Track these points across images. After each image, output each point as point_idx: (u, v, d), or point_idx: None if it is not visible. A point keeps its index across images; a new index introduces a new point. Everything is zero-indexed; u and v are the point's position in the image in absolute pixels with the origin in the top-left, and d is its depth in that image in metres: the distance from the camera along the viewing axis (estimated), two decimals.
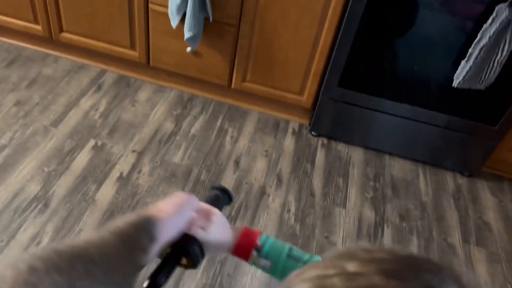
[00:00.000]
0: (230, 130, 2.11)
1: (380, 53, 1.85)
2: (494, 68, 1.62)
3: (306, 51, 1.91)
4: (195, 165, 1.91)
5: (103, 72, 2.29)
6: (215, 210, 0.66)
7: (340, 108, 2.03)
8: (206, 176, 1.87)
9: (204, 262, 1.57)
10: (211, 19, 1.87)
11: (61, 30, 2.17)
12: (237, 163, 1.96)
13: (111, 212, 1.67)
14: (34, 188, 1.69)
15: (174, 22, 1.91)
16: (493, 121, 1.89)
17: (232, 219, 1.74)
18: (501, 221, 1.95)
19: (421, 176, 2.09)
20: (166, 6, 1.91)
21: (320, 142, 2.15)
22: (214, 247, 0.65)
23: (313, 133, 2.17)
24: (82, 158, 1.84)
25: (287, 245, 0.70)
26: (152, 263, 0.57)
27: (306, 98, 2.08)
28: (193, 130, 2.07)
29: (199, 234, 0.61)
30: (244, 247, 0.69)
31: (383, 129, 2.06)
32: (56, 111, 2.03)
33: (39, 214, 1.61)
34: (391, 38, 1.83)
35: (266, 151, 2.05)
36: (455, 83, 1.73)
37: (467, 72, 1.66)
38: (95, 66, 2.31)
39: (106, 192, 1.73)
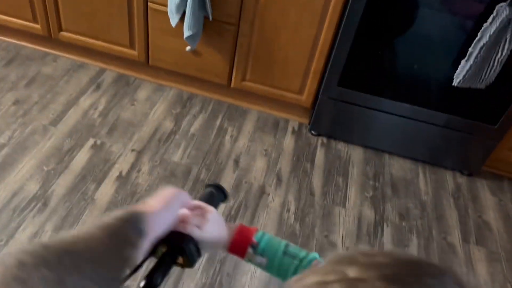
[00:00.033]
0: (229, 129, 2.11)
1: (380, 52, 1.85)
2: (494, 67, 1.62)
3: (306, 50, 1.91)
4: (194, 164, 1.91)
5: (102, 71, 2.29)
6: (210, 208, 0.66)
7: (339, 107, 2.03)
8: (205, 175, 1.87)
9: (203, 262, 1.57)
10: (210, 17, 1.87)
11: (60, 29, 2.16)
12: (236, 162, 1.96)
13: (110, 211, 1.66)
14: (33, 187, 1.69)
15: (174, 20, 1.90)
16: (493, 120, 1.88)
17: (231, 218, 1.73)
18: (501, 220, 1.95)
19: (421, 175, 2.08)
20: (165, 5, 1.90)
21: (319, 141, 2.15)
22: (210, 245, 0.64)
23: (312, 132, 2.17)
24: (81, 157, 1.84)
25: (283, 242, 0.69)
26: (149, 264, 0.57)
27: (305, 97, 2.07)
28: (192, 129, 2.07)
29: (195, 232, 0.60)
30: (240, 245, 0.68)
31: (383, 128, 2.06)
32: (55, 110, 2.03)
33: (38, 213, 1.61)
34: (391, 37, 1.83)
35: (265, 150, 2.04)
36: (455, 82, 1.73)
37: (467, 71, 1.66)
38: (94, 65, 2.31)
39: (106, 191, 1.73)
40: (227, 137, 2.07)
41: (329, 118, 2.10)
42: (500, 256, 1.80)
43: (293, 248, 0.69)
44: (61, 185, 1.72)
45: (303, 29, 1.85)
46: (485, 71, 1.65)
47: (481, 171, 2.12)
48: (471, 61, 1.64)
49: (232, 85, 2.13)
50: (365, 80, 1.93)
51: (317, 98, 2.04)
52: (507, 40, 1.55)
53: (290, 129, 2.18)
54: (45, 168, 1.77)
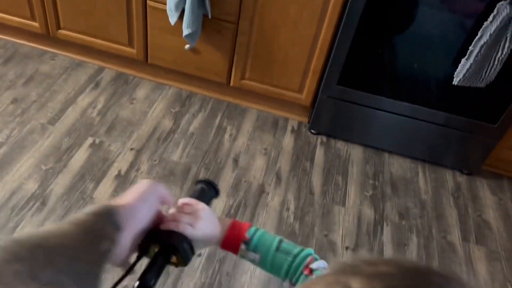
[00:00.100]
0: (229, 128, 2.10)
1: (380, 51, 1.84)
2: (494, 66, 1.62)
3: (305, 48, 1.90)
4: (193, 163, 1.90)
5: (101, 70, 2.28)
6: (201, 205, 0.65)
7: (339, 106, 2.02)
8: (205, 174, 1.86)
9: (202, 261, 1.56)
10: (209, 15, 1.86)
11: (58, 27, 2.15)
12: (236, 161, 1.95)
13: None
14: (31, 187, 1.68)
15: (173, 19, 1.89)
16: (493, 119, 1.88)
17: (231, 218, 1.73)
18: (501, 220, 1.94)
19: (421, 174, 2.08)
20: (164, 3, 1.89)
21: (319, 140, 2.15)
22: (203, 243, 0.63)
23: (312, 131, 2.17)
24: (80, 156, 1.83)
25: (277, 238, 0.69)
26: (143, 264, 0.57)
27: (305, 96, 2.07)
28: (191, 128, 2.06)
29: (187, 230, 0.59)
30: (232, 241, 0.67)
31: (383, 127, 2.05)
32: (54, 109, 2.02)
33: (36, 213, 1.60)
34: (391, 36, 1.82)
35: (265, 149, 2.04)
36: (455, 81, 1.72)
37: (468, 70, 1.65)
38: (93, 63, 2.30)
39: (104, 190, 1.72)
40: (226, 136, 2.06)
41: (329, 117, 2.09)
42: (500, 255, 1.80)
43: (287, 244, 0.68)
44: (59, 184, 1.71)
45: (303, 27, 1.84)
46: (485, 70, 1.65)
47: (481, 170, 2.12)
48: (471, 60, 1.63)
49: (231, 83, 2.12)
50: (365, 79, 1.92)
51: (317, 96, 2.04)
52: (508, 38, 1.54)
53: (289, 128, 2.18)
54: (43, 167, 1.76)
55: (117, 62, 2.27)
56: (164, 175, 1.82)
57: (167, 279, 1.49)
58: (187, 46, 1.99)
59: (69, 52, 2.30)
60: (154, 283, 0.55)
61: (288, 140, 2.11)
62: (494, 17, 1.53)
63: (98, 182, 1.74)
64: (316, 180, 1.94)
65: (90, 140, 1.91)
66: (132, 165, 1.84)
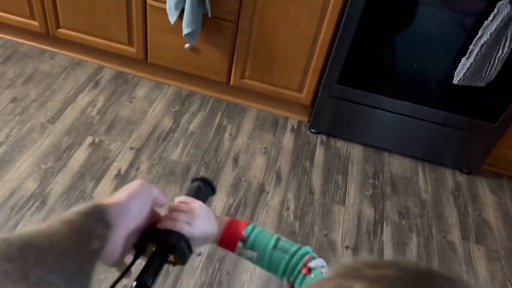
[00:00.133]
0: (228, 127, 2.10)
1: (380, 50, 1.84)
2: (495, 65, 1.61)
3: (305, 47, 1.90)
4: (193, 162, 1.90)
5: (100, 69, 2.27)
6: (198, 203, 0.65)
7: (339, 105, 2.02)
8: (205, 173, 1.86)
9: (203, 260, 1.56)
10: (209, 14, 1.86)
11: (58, 26, 2.15)
12: (236, 160, 1.95)
13: None
14: (31, 186, 1.68)
15: (172, 18, 1.89)
16: (493, 119, 1.88)
17: (230, 217, 1.73)
18: (501, 219, 1.94)
19: (421, 173, 2.08)
20: (164, 2, 1.89)
21: (319, 139, 2.14)
22: (200, 241, 0.63)
23: (312, 130, 2.16)
24: (80, 155, 1.83)
25: (274, 236, 0.68)
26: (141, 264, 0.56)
27: (305, 95, 2.07)
28: (191, 127, 2.06)
29: (184, 229, 0.59)
30: (230, 239, 0.67)
31: (383, 126, 2.05)
32: (53, 108, 2.01)
33: (36, 212, 1.60)
34: (391, 35, 1.82)
35: (265, 148, 2.04)
36: (455, 80, 1.72)
37: (468, 69, 1.65)
38: (93, 62, 2.29)
39: (104, 189, 1.72)
40: (226, 135, 2.06)
41: (329, 116, 2.09)
42: (499, 254, 1.80)
43: (284, 242, 0.68)
44: (59, 183, 1.71)
45: (303, 26, 1.84)
46: (485, 69, 1.64)
47: (481, 169, 2.12)
48: (471, 59, 1.63)
49: (231, 82, 2.12)
50: (365, 78, 1.92)
51: (317, 96, 2.03)
52: (508, 38, 1.54)
53: (289, 127, 2.18)
54: (43, 166, 1.76)
55: (117, 61, 2.26)
56: (164, 174, 1.82)
57: (167, 279, 1.48)
58: (187, 45, 1.99)
59: (69, 51, 2.30)
60: (152, 283, 0.54)
61: (288, 139, 2.11)
62: (494, 16, 1.53)
63: (98, 181, 1.74)
64: (316, 179, 1.94)
65: (89, 139, 1.90)
66: (132, 164, 1.83)
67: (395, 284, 0.31)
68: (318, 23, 1.81)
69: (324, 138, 2.15)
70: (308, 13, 1.80)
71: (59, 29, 2.16)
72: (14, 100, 2.01)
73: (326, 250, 1.69)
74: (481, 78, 1.68)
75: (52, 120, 1.95)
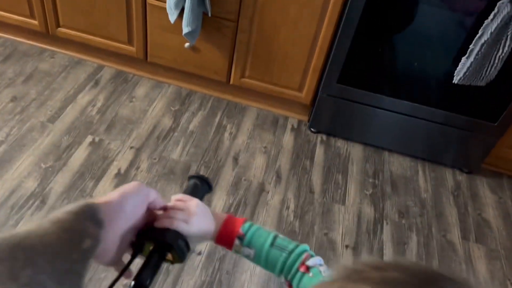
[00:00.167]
0: (228, 126, 2.10)
1: (380, 50, 1.84)
2: (495, 65, 1.61)
3: (305, 47, 1.90)
4: (193, 162, 1.90)
5: (100, 68, 2.27)
6: (195, 200, 0.64)
7: (339, 104, 2.02)
8: (205, 173, 1.86)
9: (203, 259, 1.56)
10: (209, 14, 1.85)
11: (57, 25, 2.14)
12: (236, 159, 1.95)
13: None
14: (31, 185, 1.68)
15: (172, 17, 1.89)
16: (493, 118, 1.88)
17: None
18: (500, 218, 1.94)
19: (421, 172, 2.08)
20: (164, 1, 1.89)
21: (319, 138, 2.14)
22: (198, 238, 0.63)
23: (312, 129, 2.16)
24: (80, 155, 1.83)
25: (272, 234, 0.68)
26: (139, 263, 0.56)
27: (305, 95, 2.06)
28: (191, 126, 2.06)
29: (182, 227, 0.59)
30: (226, 236, 0.67)
31: (383, 125, 2.05)
32: (53, 107, 2.01)
33: (36, 211, 1.60)
34: (391, 34, 1.82)
35: (265, 147, 2.04)
36: (455, 80, 1.72)
37: (468, 68, 1.65)
38: (92, 61, 2.29)
39: (104, 188, 1.72)
40: (226, 134, 2.06)
41: (329, 116, 2.09)
42: (499, 254, 1.80)
43: (282, 239, 0.68)
44: (59, 183, 1.71)
45: (303, 26, 1.83)
46: (485, 69, 1.64)
47: (481, 168, 2.12)
48: (471, 58, 1.63)
49: (231, 82, 2.12)
50: (365, 77, 1.92)
51: (317, 95, 2.03)
52: (508, 37, 1.54)
53: (289, 126, 2.17)
54: (43, 166, 1.76)
55: (117, 60, 2.26)
56: (164, 173, 1.82)
57: (167, 278, 1.49)
58: (187, 44, 1.99)
59: (69, 50, 2.30)
60: (150, 282, 0.54)
61: (288, 139, 2.11)
62: (495, 15, 1.52)
63: (98, 181, 1.74)
64: (316, 178, 1.94)
65: (89, 138, 1.90)
66: (132, 164, 1.83)
67: (399, 287, 0.31)
68: (318, 22, 1.81)
69: (324, 137, 2.15)
70: (308, 13, 1.79)
71: (59, 28, 2.16)
72: (14, 99, 2.01)
73: (326, 249, 1.69)
74: (481, 78, 1.68)
75: (52, 119, 1.95)
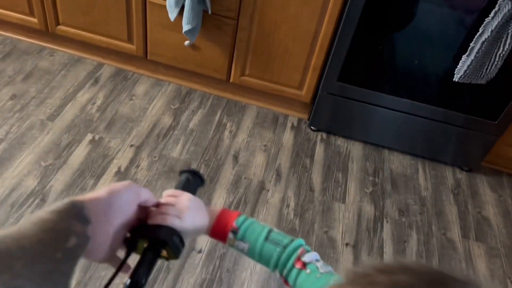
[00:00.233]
0: (228, 124, 2.10)
1: (380, 48, 1.83)
2: (495, 63, 1.61)
3: (305, 45, 1.90)
4: (193, 160, 1.90)
5: (100, 66, 2.27)
6: (187, 195, 0.64)
7: (339, 102, 2.02)
8: (205, 171, 1.86)
9: (203, 257, 1.56)
10: (209, 11, 1.85)
11: (57, 22, 2.14)
12: (236, 157, 1.95)
13: None
14: (31, 183, 1.68)
15: (172, 14, 1.88)
16: (493, 116, 1.88)
17: None
18: (500, 216, 1.95)
19: (421, 171, 2.08)
20: None
21: (319, 136, 2.14)
22: (192, 233, 0.62)
23: (312, 127, 2.16)
24: (80, 153, 1.82)
25: (266, 228, 0.67)
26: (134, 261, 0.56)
27: (305, 93, 2.06)
28: (191, 125, 2.06)
29: (175, 223, 0.58)
30: (220, 230, 0.66)
31: (383, 124, 2.05)
32: (53, 105, 2.01)
33: (36, 209, 1.60)
34: (392, 32, 1.81)
35: (265, 145, 2.03)
36: (456, 78, 1.72)
37: (468, 66, 1.65)
38: (92, 59, 2.29)
39: (104, 186, 1.71)
40: (226, 133, 2.05)
41: (329, 114, 2.09)
42: (499, 251, 1.80)
43: (277, 234, 0.67)
44: (59, 181, 1.70)
45: (303, 23, 1.83)
46: (486, 67, 1.64)
47: (480, 166, 2.12)
48: (472, 56, 1.63)
49: (231, 80, 2.11)
50: (365, 75, 1.92)
51: (317, 93, 2.03)
52: (509, 35, 1.54)
53: (289, 124, 2.17)
54: (43, 164, 1.75)
55: (117, 58, 2.26)
56: (164, 171, 1.82)
57: (167, 276, 1.49)
58: (186, 42, 1.98)
59: (68, 48, 2.29)
60: (146, 280, 0.54)
61: (288, 137, 2.10)
62: (495, 13, 1.52)
63: (98, 179, 1.74)
64: (316, 177, 1.94)
65: (89, 136, 1.90)
66: (132, 162, 1.83)
67: None
68: (319, 20, 1.81)
69: (324, 135, 2.15)
70: (309, 10, 1.79)
71: (59, 26, 2.15)
72: (13, 97, 2.01)
73: (326, 247, 1.69)
74: (482, 76, 1.67)
75: (52, 117, 1.95)
